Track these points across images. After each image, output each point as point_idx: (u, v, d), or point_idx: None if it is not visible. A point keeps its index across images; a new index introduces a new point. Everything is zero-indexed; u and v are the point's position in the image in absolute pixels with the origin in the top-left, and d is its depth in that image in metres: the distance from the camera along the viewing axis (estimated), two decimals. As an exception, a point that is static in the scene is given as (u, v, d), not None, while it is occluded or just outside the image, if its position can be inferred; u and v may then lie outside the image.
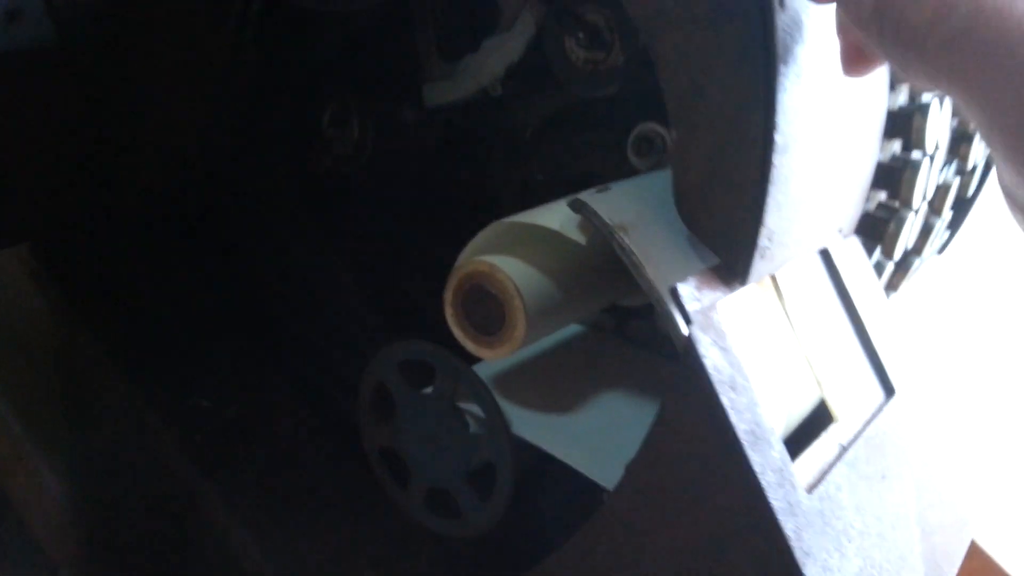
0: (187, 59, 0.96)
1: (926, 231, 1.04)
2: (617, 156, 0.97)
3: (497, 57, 0.89)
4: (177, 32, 0.93)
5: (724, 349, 0.64)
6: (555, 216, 0.75)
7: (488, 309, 0.76)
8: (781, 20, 0.62)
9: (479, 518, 0.83)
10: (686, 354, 0.61)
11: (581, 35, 0.83)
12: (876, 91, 0.84)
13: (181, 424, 0.95)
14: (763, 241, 0.67)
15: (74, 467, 0.97)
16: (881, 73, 0.83)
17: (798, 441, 0.70)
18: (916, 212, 0.94)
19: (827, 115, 0.72)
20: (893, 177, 0.91)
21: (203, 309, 1.06)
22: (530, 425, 0.80)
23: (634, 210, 0.69)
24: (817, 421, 0.75)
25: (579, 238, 0.74)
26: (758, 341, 0.69)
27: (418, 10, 0.94)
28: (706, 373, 0.61)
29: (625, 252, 0.66)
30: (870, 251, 0.96)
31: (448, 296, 0.78)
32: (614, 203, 0.69)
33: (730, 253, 0.67)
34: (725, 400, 0.61)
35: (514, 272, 0.75)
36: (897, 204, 0.94)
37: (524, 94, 0.95)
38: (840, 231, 0.86)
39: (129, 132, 1.00)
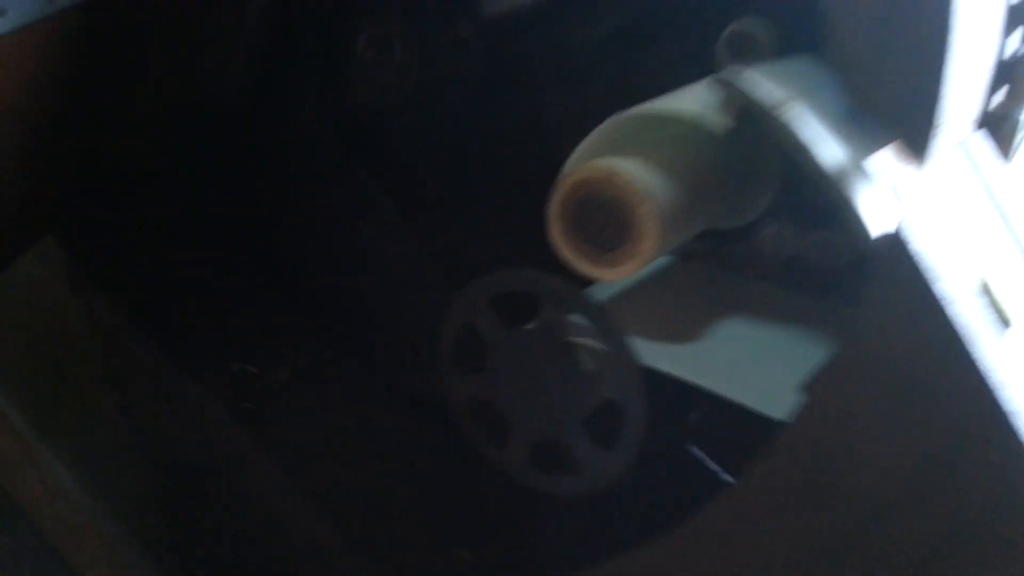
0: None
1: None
2: (695, 70, 0.86)
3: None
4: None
5: (927, 231, 0.54)
6: (690, 101, 0.64)
7: (607, 220, 0.65)
8: None
9: (601, 470, 0.71)
10: (897, 239, 0.51)
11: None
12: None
13: (227, 392, 0.82)
14: (940, 116, 0.57)
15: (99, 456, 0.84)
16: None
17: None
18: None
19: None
20: (1012, 73, 0.83)
21: (238, 272, 0.94)
22: (660, 355, 0.70)
23: (790, 87, 0.59)
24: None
25: (717, 127, 0.63)
26: (946, 226, 0.59)
27: None
28: (926, 258, 0.51)
29: (789, 130, 0.55)
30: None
31: (555, 210, 0.67)
32: (767, 80, 0.59)
33: (911, 127, 0.58)
34: (940, 288, 0.51)
35: (639, 174, 0.64)
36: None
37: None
38: (974, 123, 0.78)
39: (130, 77, 0.86)
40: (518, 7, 0.83)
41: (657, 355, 0.69)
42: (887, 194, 0.53)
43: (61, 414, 0.96)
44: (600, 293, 0.78)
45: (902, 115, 0.57)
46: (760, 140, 0.77)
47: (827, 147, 0.55)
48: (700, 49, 0.83)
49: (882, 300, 0.53)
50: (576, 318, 0.70)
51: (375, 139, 0.95)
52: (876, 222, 0.54)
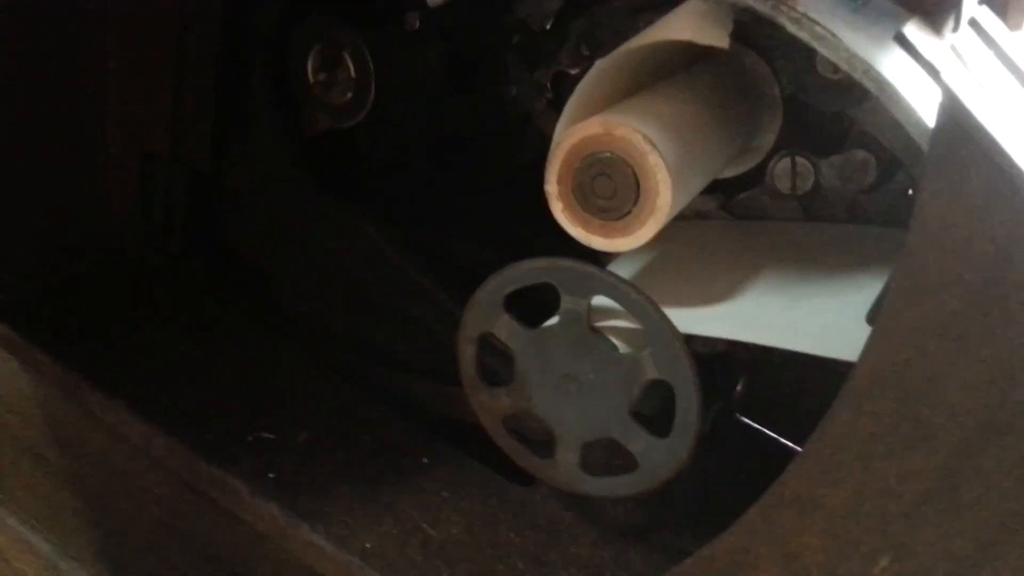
0: (131, 28, 0.77)
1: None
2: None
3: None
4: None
5: (979, 103, 0.47)
6: (676, 27, 0.57)
7: (613, 183, 0.59)
8: None
9: (661, 460, 0.64)
10: (949, 110, 0.44)
11: None
12: None
13: (247, 466, 0.75)
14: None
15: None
16: None
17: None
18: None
19: None
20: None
21: (224, 335, 0.87)
22: (700, 321, 0.63)
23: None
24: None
25: (719, 42, 0.56)
26: (989, 98, 0.52)
27: None
28: (983, 127, 0.44)
29: (800, 22, 0.49)
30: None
31: (553, 186, 0.61)
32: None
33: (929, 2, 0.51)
34: (1016, 157, 0.44)
35: (639, 123, 0.57)
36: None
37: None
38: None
39: (82, 144, 0.81)
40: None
41: (697, 321, 0.62)
42: (925, 67, 0.46)
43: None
44: (620, 271, 0.72)
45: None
46: (757, 65, 0.72)
47: (847, 34, 0.49)
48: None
49: (940, 192, 0.46)
50: (601, 301, 0.63)
51: (344, 165, 0.88)
52: (910, 108, 0.47)
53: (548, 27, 0.87)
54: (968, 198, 0.45)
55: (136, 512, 0.82)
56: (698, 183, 0.63)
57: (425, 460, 0.80)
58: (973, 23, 0.68)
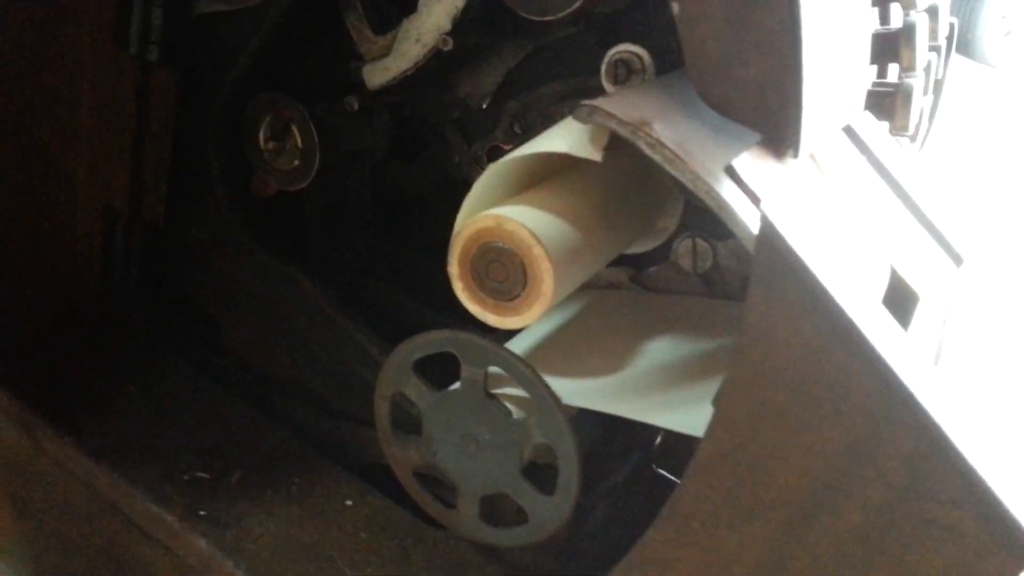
0: (98, 92, 0.84)
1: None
2: (593, 97, 0.88)
3: (440, 10, 0.80)
4: (81, 60, 0.82)
5: (800, 225, 0.54)
6: (559, 139, 0.65)
7: (504, 269, 0.66)
8: None
9: (546, 516, 0.71)
10: (764, 236, 0.52)
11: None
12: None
13: (180, 503, 0.81)
14: (806, 104, 0.58)
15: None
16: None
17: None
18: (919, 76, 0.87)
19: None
20: (890, 46, 0.84)
21: (165, 377, 0.93)
22: (582, 393, 0.70)
23: (653, 105, 0.60)
24: (898, 298, 0.66)
25: (593, 157, 0.63)
26: (822, 217, 0.60)
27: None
28: (793, 251, 0.51)
29: (656, 147, 0.56)
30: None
31: (454, 268, 0.68)
32: (629, 102, 0.60)
33: (772, 123, 0.59)
34: (822, 278, 0.51)
35: (527, 218, 0.64)
36: (897, 77, 0.87)
37: (475, 49, 0.85)
38: (856, 106, 0.79)
39: (53, 195, 0.88)
40: (402, 74, 0.84)
41: (581, 393, 0.70)
42: (748, 195, 0.54)
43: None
44: (526, 340, 0.79)
45: (761, 116, 0.58)
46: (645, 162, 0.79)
47: (691, 159, 0.56)
48: (593, 81, 0.84)
49: (761, 301, 0.53)
50: (496, 369, 0.70)
51: (291, 225, 0.96)
52: (743, 225, 0.54)
53: (484, 106, 0.95)
54: (783, 308, 0.53)
55: (79, 539, 0.88)
56: (588, 268, 0.70)
57: (349, 502, 0.87)
58: (848, 130, 0.76)
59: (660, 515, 0.62)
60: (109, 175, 0.88)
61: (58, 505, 0.88)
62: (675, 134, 0.57)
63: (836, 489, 0.54)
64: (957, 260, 0.74)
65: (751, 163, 0.56)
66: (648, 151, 0.57)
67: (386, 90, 0.87)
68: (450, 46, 0.80)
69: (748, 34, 0.57)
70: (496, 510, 0.76)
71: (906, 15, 0.84)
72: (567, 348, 0.77)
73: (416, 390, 0.73)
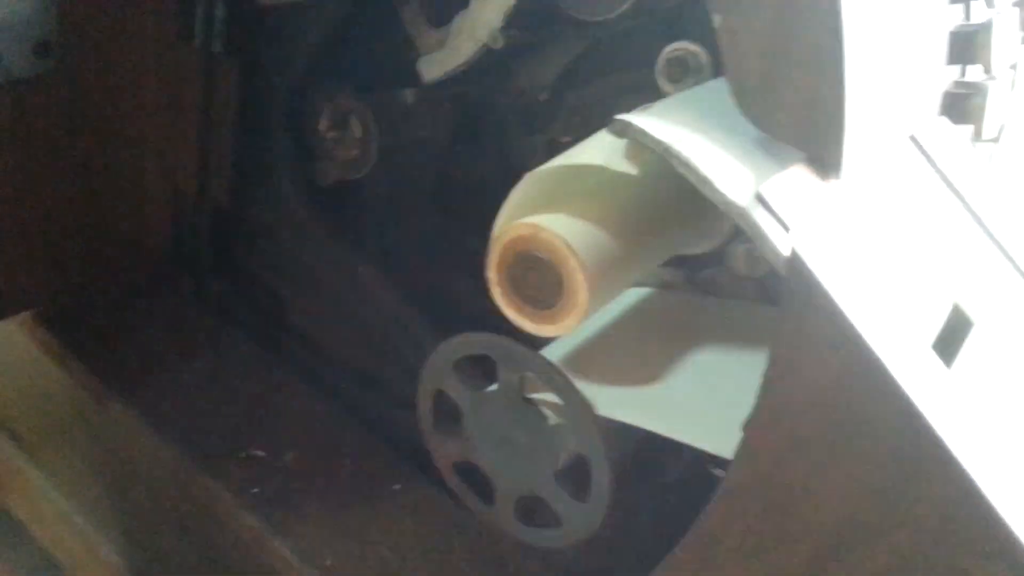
0: (164, 82, 0.87)
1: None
2: (650, 95, 0.86)
3: (492, 6, 0.79)
4: (147, 52, 0.85)
5: (836, 254, 0.52)
6: (596, 151, 0.64)
7: (541, 278, 0.66)
8: None
9: (578, 522, 0.71)
10: (792, 267, 0.50)
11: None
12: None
13: (236, 479, 0.85)
14: (851, 121, 0.55)
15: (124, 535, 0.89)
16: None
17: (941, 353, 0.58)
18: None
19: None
20: (967, 46, 0.79)
21: (231, 355, 0.97)
22: (618, 403, 0.69)
23: (689, 121, 0.58)
24: (954, 330, 0.63)
25: (630, 170, 0.62)
26: (867, 243, 0.57)
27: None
28: (820, 285, 0.49)
29: (688, 167, 0.55)
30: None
31: (492, 273, 0.68)
32: (664, 117, 0.58)
33: (815, 142, 0.56)
34: (851, 314, 0.49)
35: (563, 228, 0.64)
36: (975, 77, 0.82)
37: (529, 44, 0.84)
38: (927, 112, 0.75)
39: (124, 179, 0.92)
40: (457, 68, 0.84)
41: (614, 403, 0.69)
42: (790, 216, 0.52)
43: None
44: (570, 342, 0.79)
45: (803, 135, 0.56)
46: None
47: (723, 179, 0.54)
48: (648, 77, 0.83)
49: (789, 333, 0.51)
50: (532, 376, 0.70)
51: (351, 211, 0.98)
52: (775, 253, 0.53)
53: (545, 98, 0.94)
54: (811, 343, 0.51)
55: (146, 502, 0.94)
56: (629, 278, 0.69)
57: (397, 487, 0.89)
58: (915, 139, 0.72)
59: (687, 536, 0.61)
60: (176, 161, 0.92)
61: (128, 468, 0.93)
62: (709, 153, 0.55)
63: (865, 529, 0.53)
64: (1029, 281, 0.70)
65: (787, 186, 0.53)
66: (682, 170, 0.55)
67: (443, 83, 0.87)
68: (500, 44, 0.79)
69: (790, 49, 0.54)
70: (533, 510, 0.77)
71: (990, 8, 0.79)
72: (611, 352, 0.76)
73: (456, 389, 0.74)
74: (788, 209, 0.52)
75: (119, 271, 0.95)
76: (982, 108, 0.81)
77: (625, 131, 0.57)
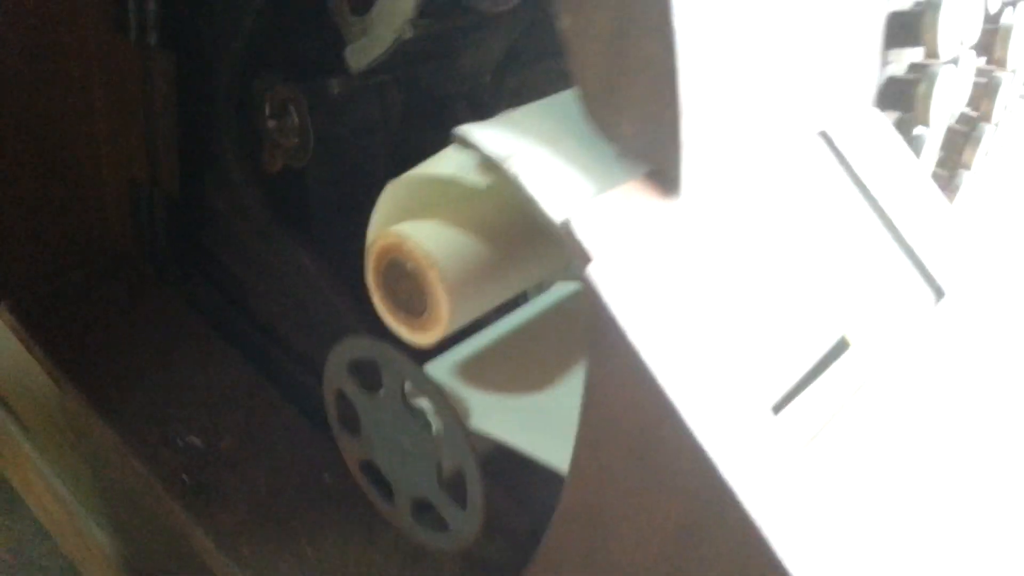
0: (109, 76, 0.89)
1: (989, 92, 0.82)
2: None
3: (404, -3, 0.76)
4: (90, 50, 0.87)
5: (648, 284, 0.48)
6: (448, 161, 0.61)
7: (410, 286, 0.64)
8: None
9: (463, 528, 0.70)
10: (591, 299, 0.47)
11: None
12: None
13: (168, 466, 0.88)
14: (693, 133, 0.51)
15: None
16: None
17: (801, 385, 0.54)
18: (954, 63, 0.74)
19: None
20: (913, 26, 0.72)
21: (185, 340, 0.99)
22: (491, 415, 0.67)
23: (539, 130, 0.55)
24: (834, 353, 0.58)
25: (483, 180, 0.60)
26: (721, 261, 0.53)
27: (320, -35, 0.83)
28: (614, 320, 0.46)
29: (516, 184, 0.52)
30: (908, 123, 0.77)
31: (370, 279, 0.67)
32: (510, 126, 0.55)
33: (655, 155, 0.52)
34: (650, 357, 0.46)
35: (426, 237, 0.62)
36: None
37: (440, 34, 0.81)
38: (846, 105, 0.69)
39: (82, 172, 0.95)
40: (379, 57, 0.82)
41: (487, 415, 0.67)
42: (597, 244, 0.48)
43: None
44: (473, 346, 0.77)
45: (645, 145, 0.52)
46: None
47: (551, 197, 0.51)
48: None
49: (596, 364, 0.48)
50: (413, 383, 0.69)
51: (297, 198, 0.97)
52: (586, 274, 0.49)
53: (488, 80, 0.91)
54: (615, 376, 0.48)
55: (110, 482, 0.98)
56: (496, 294, 0.66)
57: (326, 476, 0.90)
58: (824, 135, 0.66)
59: (534, 559, 0.59)
60: (128, 151, 0.93)
61: (97, 456, 0.97)
62: (545, 167, 0.52)
63: (675, 566, 0.50)
64: (938, 293, 0.64)
65: (610, 206, 0.50)
66: (512, 186, 0.52)
67: (373, 70, 0.85)
68: (409, 35, 0.77)
69: (628, 56, 0.50)
70: (431, 510, 0.76)
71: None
72: (509, 358, 0.74)
73: (352, 390, 0.74)
74: (601, 234, 0.49)
75: (83, 259, 0.98)
76: (926, 95, 0.74)
77: (464, 142, 0.55)
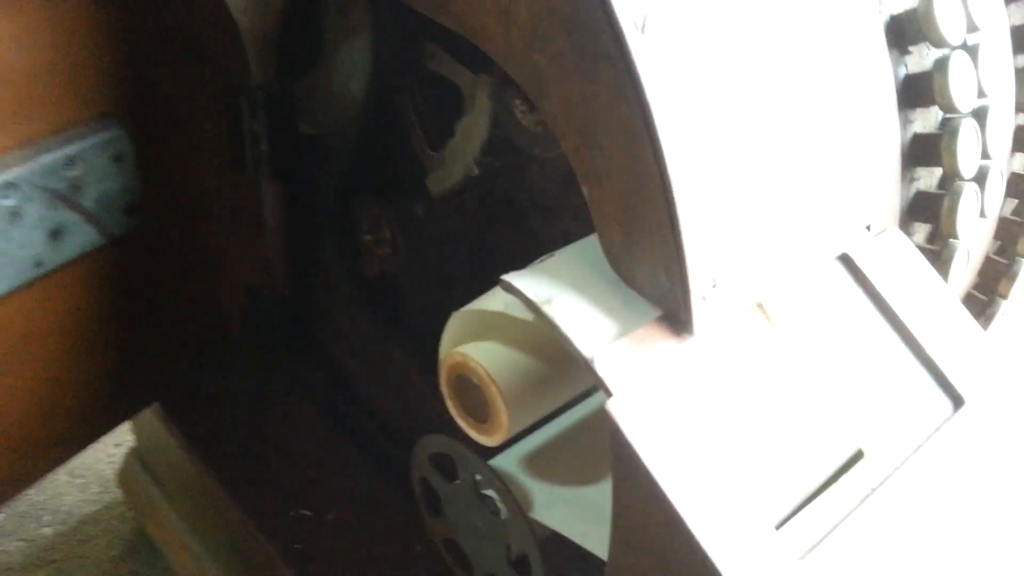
0: (228, 206, 1.05)
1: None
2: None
3: (471, 140, 0.89)
4: (212, 187, 1.03)
5: (660, 417, 0.58)
6: (498, 298, 0.73)
7: (475, 397, 0.76)
8: (641, 45, 0.57)
9: (530, 605, 0.80)
10: (613, 435, 0.57)
11: (519, 101, 0.80)
12: (869, 57, 0.73)
13: (284, 535, 1.01)
14: (700, 278, 0.61)
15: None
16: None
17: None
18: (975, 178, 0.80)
19: (773, 109, 0.64)
20: (934, 146, 0.79)
21: (297, 422, 1.14)
22: (549, 506, 0.78)
23: (569, 276, 0.66)
24: (848, 465, 0.65)
25: (526, 316, 0.71)
26: (733, 391, 0.62)
27: (404, 109, 0.97)
28: (633, 451, 0.56)
29: (553, 326, 0.62)
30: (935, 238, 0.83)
31: (444, 389, 0.79)
32: (546, 273, 0.66)
33: (669, 301, 0.62)
34: (664, 480, 0.55)
35: (486, 358, 0.73)
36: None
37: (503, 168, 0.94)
38: (868, 227, 0.76)
39: (206, 286, 1.11)
40: (453, 185, 0.95)
41: (550, 506, 0.77)
42: (617, 380, 0.57)
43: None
44: (538, 439, 0.87)
45: (659, 292, 0.62)
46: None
47: (584, 338, 0.61)
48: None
49: (621, 494, 0.58)
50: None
51: (392, 299, 1.11)
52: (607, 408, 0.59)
53: (556, 191, 1.02)
54: (635, 495, 0.57)
55: (239, 543, 1.13)
56: (549, 405, 0.77)
57: (418, 546, 1.02)
58: (844, 258, 0.74)
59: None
60: (245, 265, 1.10)
61: (228, 525, 1.12)
62: (576, 310, 0.62)
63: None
64: (957, 402, 0.70)
65: (631, 347, 0.60)
66: (550, 328, 0.63)
67: (448, 196, 0.98)
68: (476, 172, 0.89)
69: (639, 219, 0.61)
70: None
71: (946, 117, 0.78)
72: (565, 452, 0.85)
73: (433, 478, 0.86)
74: (619, 372, 0.58)
75: (208, 358, 1.14)
76: (951, 210, 0.80)
77: (509, 290, 0.66)
